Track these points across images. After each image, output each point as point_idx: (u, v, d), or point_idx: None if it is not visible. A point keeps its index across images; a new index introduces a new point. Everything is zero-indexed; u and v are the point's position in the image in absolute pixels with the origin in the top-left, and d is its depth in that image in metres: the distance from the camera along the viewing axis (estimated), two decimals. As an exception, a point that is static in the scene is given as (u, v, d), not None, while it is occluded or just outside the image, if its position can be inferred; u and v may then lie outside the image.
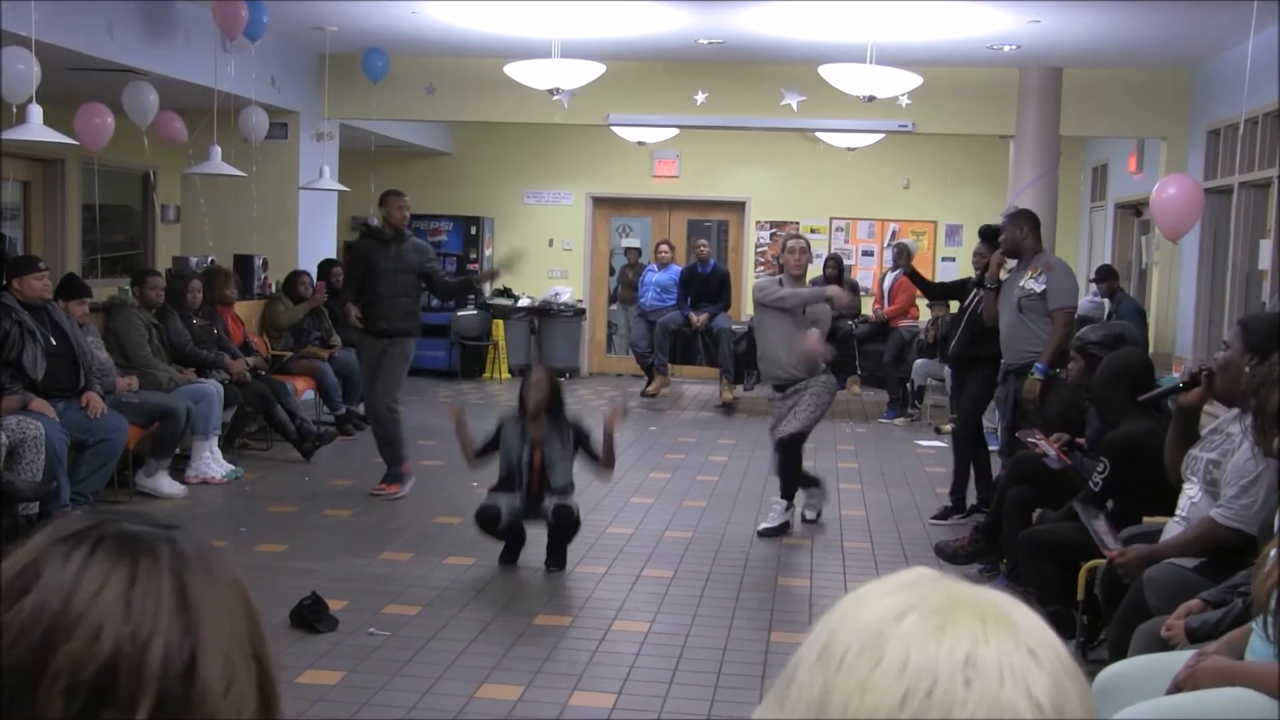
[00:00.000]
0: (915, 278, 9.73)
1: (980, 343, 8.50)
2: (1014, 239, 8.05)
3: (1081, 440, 6.54)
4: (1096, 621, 5.58)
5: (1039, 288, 7.84)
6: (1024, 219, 8.17)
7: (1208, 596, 3.99)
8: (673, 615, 6.37)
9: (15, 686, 0.91)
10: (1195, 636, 3.76)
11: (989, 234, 8.74)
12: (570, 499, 7.20)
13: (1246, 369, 4.61)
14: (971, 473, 8.67)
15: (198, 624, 0.96)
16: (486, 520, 7.20)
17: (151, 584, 0.96)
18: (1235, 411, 4.80)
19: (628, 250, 17.32)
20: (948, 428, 12.21)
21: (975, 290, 8.65)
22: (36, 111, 7.64)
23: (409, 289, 9.04)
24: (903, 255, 9.65)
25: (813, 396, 8.13)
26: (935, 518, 8.71)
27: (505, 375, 16.16)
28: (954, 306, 10.00)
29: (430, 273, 9.19)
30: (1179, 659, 3.52)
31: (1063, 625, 5.48)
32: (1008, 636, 0.87)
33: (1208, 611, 3.88)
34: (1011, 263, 8.25)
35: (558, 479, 7.18)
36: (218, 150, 10.17)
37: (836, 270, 14.24)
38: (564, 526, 7.15)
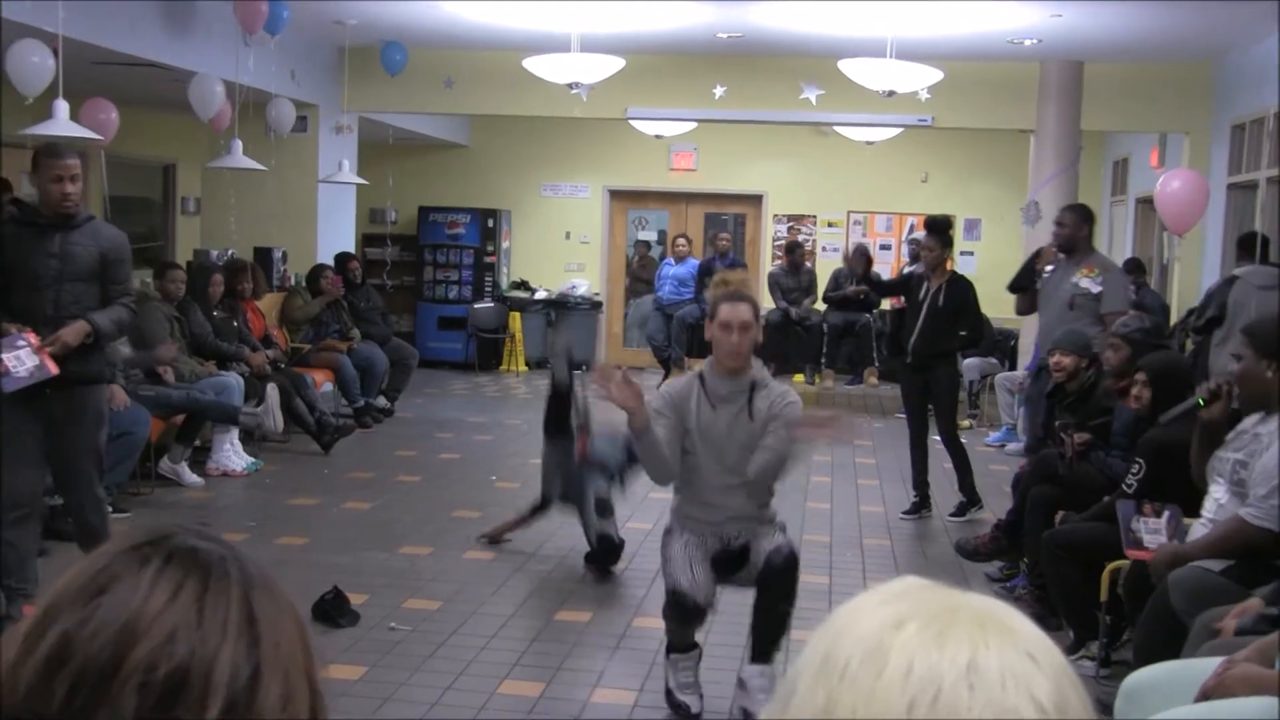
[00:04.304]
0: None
1: (943, 338, 8.56)
2: (1073, 235, 8.08)
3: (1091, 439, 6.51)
4: (1119, 623, 5.57)
5: (1095, 289, 7.89)
6: (1085, 216, 8.21)
7: (1268, 596, 3.98)
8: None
9: (93, 680, 0.94)
10: (1241, 634, 3.75)
11: (936, 226, 8.73)
12: (610, 522, 7.07)
13: (1268, 374, 4.59)
14: (920, 466, 8.82)
15: (262, 641, 0.98)
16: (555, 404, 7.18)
17: (221, 597, 0.99)
18: (1260, 415, 4.77)
19: (637, 244, 17.33)
20: (966, 424, 12.23)
21: (926, 284, 8.64)
22: (62, 107, 7.66)
23: (77, 303, 5.68)
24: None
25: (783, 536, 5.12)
26: (953, 514, 8.72)
27: (522, 368, 16.18)
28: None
29: (110, 279, 5.80)
30: (1208, 665, 3.51)
31: (1048, 625, 5.49)
32: (1007, 642, 0.89)
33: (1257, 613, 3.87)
34: (1054, 257, 8.29)
35: (602, 452, 7.11)
36: (239, 144, 10.18)
37: (865, 267, 14.24)
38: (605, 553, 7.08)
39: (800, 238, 16.22)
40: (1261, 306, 7.58)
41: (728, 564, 4.97)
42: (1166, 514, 5.19)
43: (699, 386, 4.87)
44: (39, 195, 5.74)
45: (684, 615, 4.89)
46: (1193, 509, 5.13)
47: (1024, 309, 8.85)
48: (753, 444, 4.84)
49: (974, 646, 0.88)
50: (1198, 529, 4.93)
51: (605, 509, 7.01)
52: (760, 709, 4.84)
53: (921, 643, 0.89)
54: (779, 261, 15.63)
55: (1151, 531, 5.15)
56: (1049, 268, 8.35)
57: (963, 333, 8.70)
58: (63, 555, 6.99)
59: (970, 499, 8.74)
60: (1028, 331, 12.15)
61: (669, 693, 5.07)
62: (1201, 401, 5.01)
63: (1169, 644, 4.30)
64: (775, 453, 4.81)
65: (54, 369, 5.46)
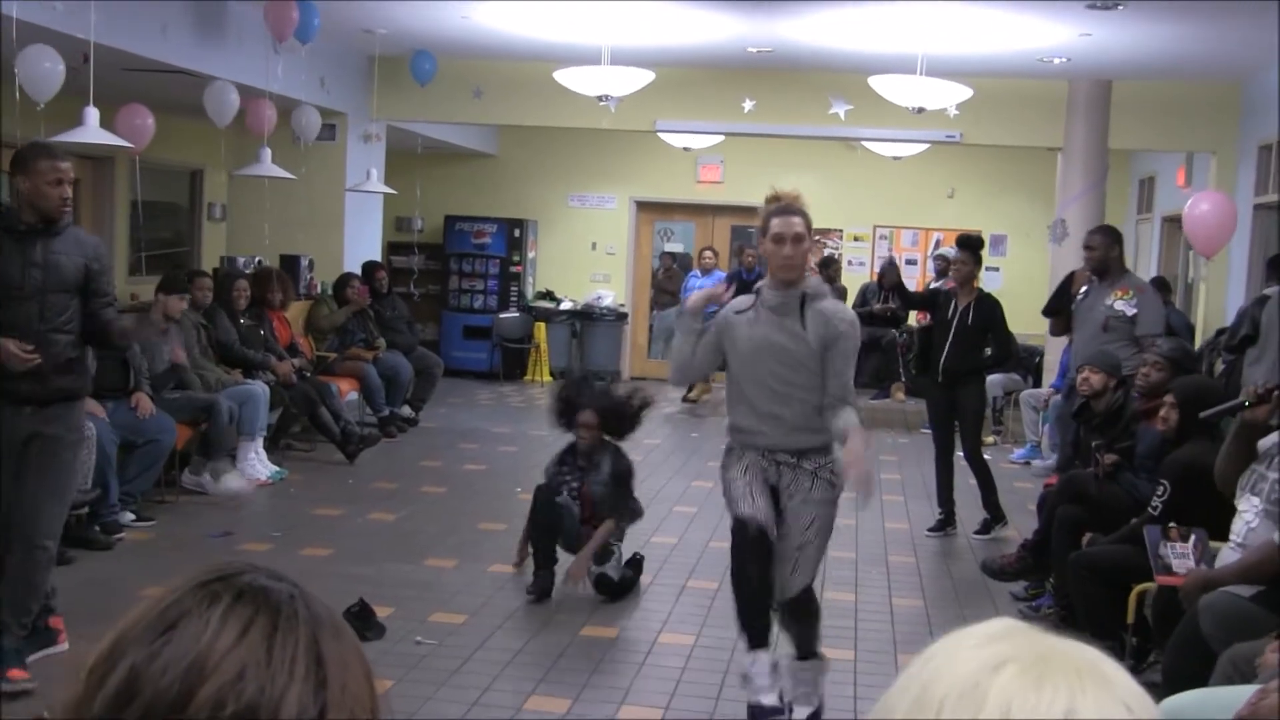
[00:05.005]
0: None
1: (972, 356, 8.57)
2: (1106, 258, 8.10)
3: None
4: (1145, 645, 5.56)
5: (1130, 311, 7.94)
6: (1115, 238, 8.24)
7: None
8: (719, 628, 6.32)
9: (161, 715, 0.94)
10: None
11: (969, 242, 8.73)
12: (613, 565, 6.91)
13: None
14: (945, 483, 8.80)
15: (329, 682, 0.99)
16: (544, 501, 6.92)
17: (290, 636, 0.99)
18: None
19: (662, 255, 17.33)
20: (990, 439, 12.19)
21: (955, 302, 8.65)
22: (93, 114, 7.70)
23: (62, 315, 5.30)
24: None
25: (822, 504, 4.93)
26: (978, 532, 8.70)
27: (547, 377, 16.19)
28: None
29: (95, 291, 5.38)
30: (1241, 693, 3.49)
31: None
32: (1105, 691, 0.90)
33: None
34: (1087, 280, 8.31)
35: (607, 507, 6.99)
36: (268, 152, 10.21)
37: (897, 278, 14.19)
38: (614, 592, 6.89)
39: (827, 251, 16.21)
40: None
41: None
42: (1193, 538, 5.17)
43: (756, 301, 4.95)
44: (24, 198, 5.18)
45: (747, 544, 4.81)
46: (1219, 532, 5.12)
47: (1059, 332, 8.87)
48: (802, 359, 4.85)
49: (1072, 693, 0.89)
50: (1226, 553, 4.90)
51: (603, 554, 6.88)
52: (800, 700, 4.99)
53: (1020, 686, 0.90)
54: (810, 274, 15.59)
55: (1179, 556, 5.14)
56: (1083, 289, 8.36)
57: (989, 350, 8.71)
58: (88, 562, 7.04)
59: (995, 516, 8.72)
60: (1053, 349, 12.13)
61: (750, 710, 5.00)
62: (1248, 403, 4.96)
63: (1199, 670, 4.28)
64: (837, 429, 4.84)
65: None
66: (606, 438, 7.15)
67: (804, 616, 5.00)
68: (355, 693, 1.01)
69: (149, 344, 8.42)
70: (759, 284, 5.01)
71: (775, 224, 4.77)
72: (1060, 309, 8.65)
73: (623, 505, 7.06)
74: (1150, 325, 7.94)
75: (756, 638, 4.92)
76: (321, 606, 1.05)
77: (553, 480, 7.13)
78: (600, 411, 7.08)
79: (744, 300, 5.02)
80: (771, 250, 4.80)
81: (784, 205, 4.84)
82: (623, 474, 7.11)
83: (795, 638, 5.05)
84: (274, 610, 1.01)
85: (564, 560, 6.91)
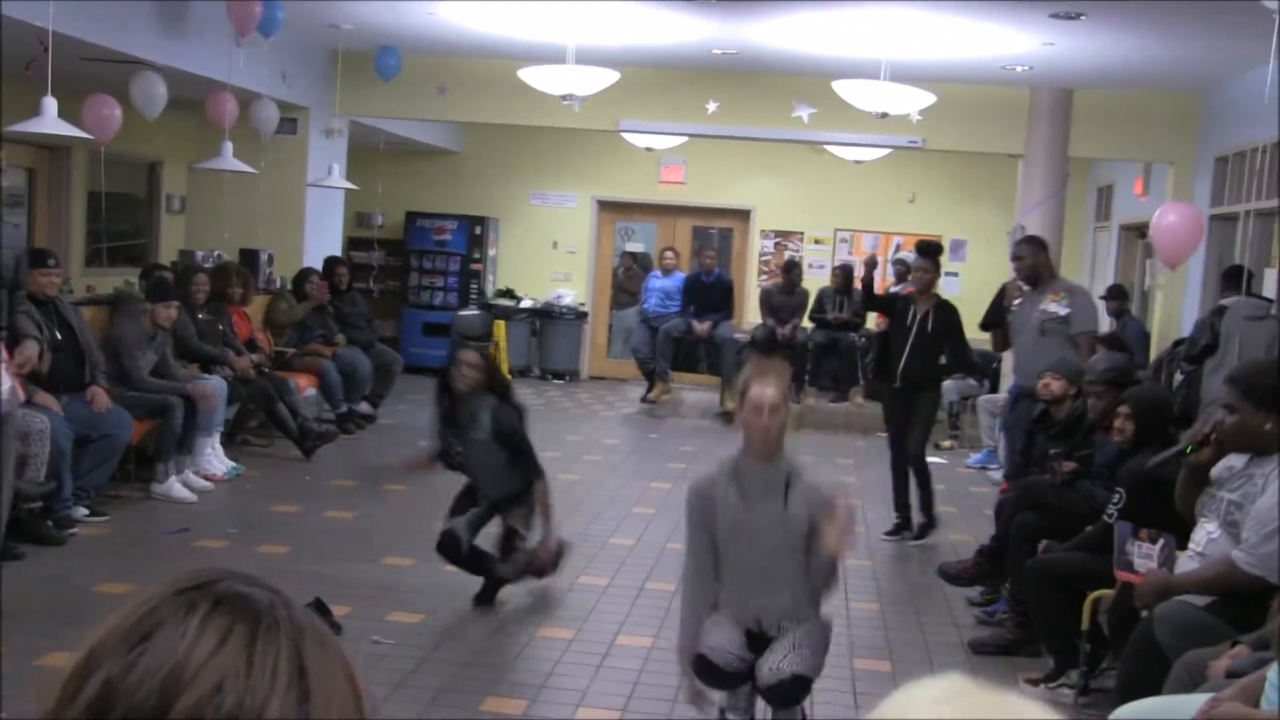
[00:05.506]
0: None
1: (930, 362, 8.63)
2: (1035, 265, 8.25)
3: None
4: (1099, 652, 5.60)
5: (1063, 311, 8.10)
6: (1041, 245, 8.40)
7: (1254, 643, 3.99)
8: (676, 631, 6.30)
9: None
10: (1233, 676, 3.76)
11: (930, 249, 8.79)
12: (518, 560, 6.68)
13: (1267, 425, 4.58)
14: (901, 488, 8.85)
15: (312, 692, 0.96)
16: (447, 549, 6.63)
17: (270, 646, 0.96)
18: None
19: (623, 255, 17.33)
20: (947, 444, 12.27)
21: (913, 309, 8.69)
22: (51, 104, 7.60)
23: None
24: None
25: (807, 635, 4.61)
26: (915, 538, 8.72)
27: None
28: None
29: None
30: (1195, 702, 3.52)
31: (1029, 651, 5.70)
32: None
33: (1253, 655, 3.88)
34: (1020, 290, 8.42)
35: (493, 486, 6.61)
36: (229, 145, 10.13)
37: (845, 282, 14.22)
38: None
39: (788, 254, 16.25)
40: (1247, 337, 7.67)
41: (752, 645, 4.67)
42: (1162, 541, 5.21)
43: (731, 479, 4.62)
44: None
45: (714, 680, 4.66)
46: (1178, 540, 5.15)
47: (1000, 345, 9.00)
48: (790, 545, 4.56)
49: None
50: (1185, 562, 4.94)
51: (506, 550, 6.70)
52: None
53: None
54: (765, 278, 15.63)
55: (1144, 556, 5.17)
56: (1016, 301, 8.50)
57: (943, 360, 8.74)
58: (39, 558, 6.96)
59: (929, 521, 8.74)
60: (1010, 355, 12.19)
61: (721, 711, 4.94)
62: (1190, 448, 5.01)
63: (1154, 677, 4.32)
64: (823, 573, 4.58)
65: (22, 395, 4.77)
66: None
67: (791, 704, 4.61)
68: (340, 704, 0.98)
69: (129, 345, 8.40)
70: (736, 456, 4.66)
71: (753, 392, 4.53)
72: (998, 321, 8.75)
73: (526, 465, 6.57)
74: (1084, 324, 8.14)
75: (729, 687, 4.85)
76: (305, 614, 1.02)
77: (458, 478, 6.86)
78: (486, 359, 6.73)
79: (719, 476, 4.64)
80: (749, 420, 4.56)
81: (762, 370, 4.62)
82: (506, 431, 6.52)
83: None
84: (253, 619, 0.98)
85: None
